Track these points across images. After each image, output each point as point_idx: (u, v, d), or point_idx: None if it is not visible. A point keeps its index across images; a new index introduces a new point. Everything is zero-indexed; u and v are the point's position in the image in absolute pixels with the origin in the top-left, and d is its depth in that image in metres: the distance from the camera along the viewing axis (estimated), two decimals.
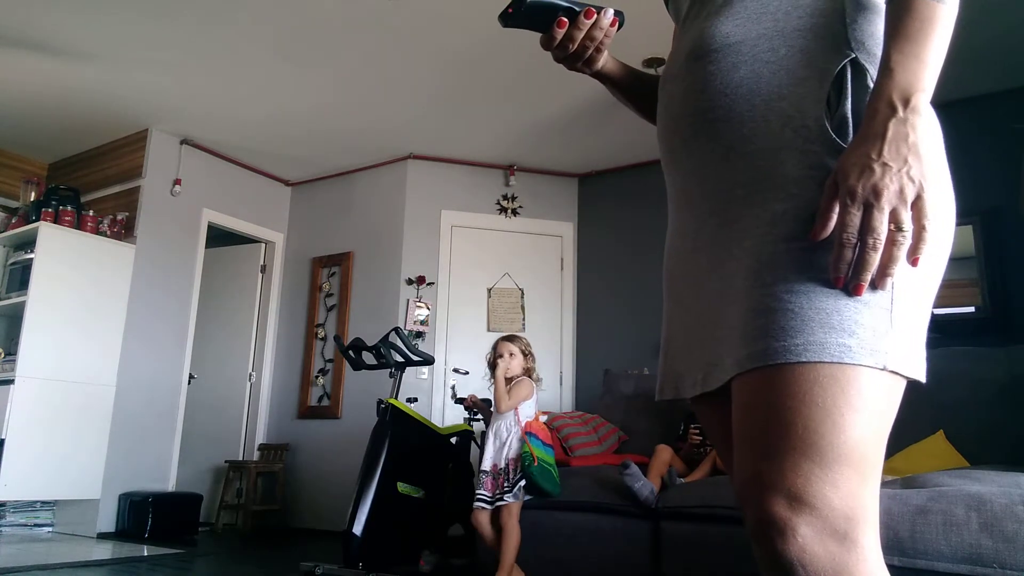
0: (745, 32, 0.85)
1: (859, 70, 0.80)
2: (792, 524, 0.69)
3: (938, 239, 0.76)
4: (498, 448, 3.12)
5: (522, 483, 3.01)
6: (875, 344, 0.71)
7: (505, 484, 3.03)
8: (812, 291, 0.73)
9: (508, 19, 0.96)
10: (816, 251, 0.74)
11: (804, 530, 0.68)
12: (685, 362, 0.91)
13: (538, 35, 1.01)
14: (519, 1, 0.94)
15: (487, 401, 3.61)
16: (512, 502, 2.99)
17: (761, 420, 0.73)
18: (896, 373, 0.73)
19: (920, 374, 0.76)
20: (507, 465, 3.06)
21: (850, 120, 0.77)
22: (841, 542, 0.68)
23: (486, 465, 3.11)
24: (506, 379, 3.19)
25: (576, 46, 1.00)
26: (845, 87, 0.79)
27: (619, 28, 1.01)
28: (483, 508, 3.05)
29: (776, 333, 0.73)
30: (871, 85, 0.78)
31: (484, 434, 3.24)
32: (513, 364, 3.23)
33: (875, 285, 0.72)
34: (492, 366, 3.27)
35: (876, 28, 0.81)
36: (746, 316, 0.77)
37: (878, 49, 0.80)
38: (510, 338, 3.34)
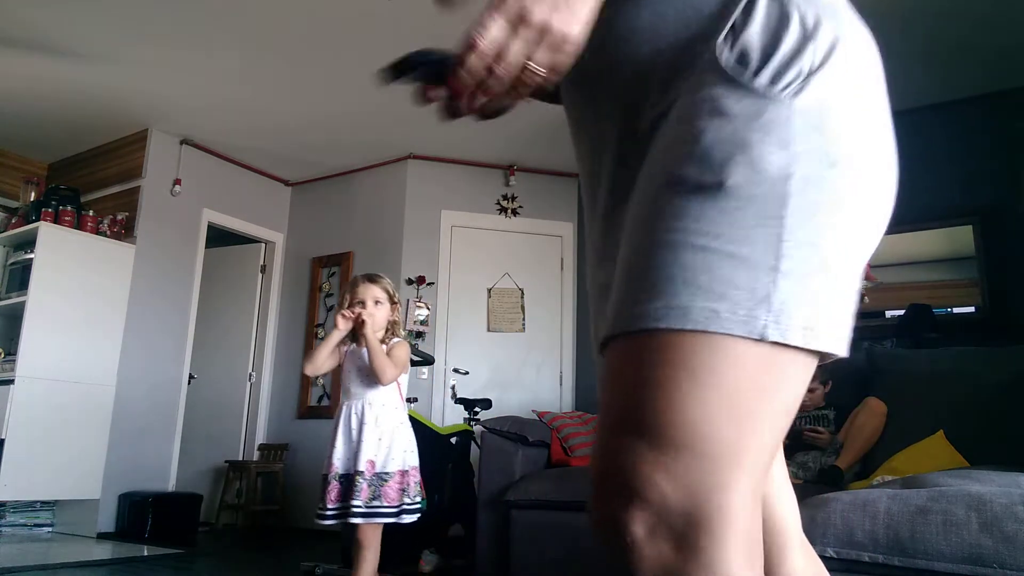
0: None
1: None
2: (620, 516, 0.57)
3: (854, 187, 0.64)
4: (375, 442, 2.37)
5: (420, 503, 2.44)
6: (751, 310, 0.58)
7: (404, 498, 2.40)
8: (679, 244, 0.60)
9: (395, 75, 0.72)
10: (689, 199, 0.61)
11: (634, 527, 0.56)
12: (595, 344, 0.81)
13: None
14: (404, 60, 0.70)
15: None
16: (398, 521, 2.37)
17: (608, 395, 0.62)
18: (785, 345, 0.59)
19: (830, 345, 0.61)
20: (390, 465, 2.35)
21: (753, 52, 0.64)
22: (678, 547, 0.55)
23: (338, 466, 2.34)
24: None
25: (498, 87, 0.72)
26: (753, 13, 0.66)
27: None
28: (327, 521, 2.38)
29: (636, 295, 0.61)
30: (785, 12, 0.66)
31: (334, 424, 2.45)
32: (379, 315, 2.37)
33: (486, 114, 0.66)
34: (350, 316, 2.34)
35: None
36: (618, 279, 0.66)
37: None
38: (372, 278, 2.46)
